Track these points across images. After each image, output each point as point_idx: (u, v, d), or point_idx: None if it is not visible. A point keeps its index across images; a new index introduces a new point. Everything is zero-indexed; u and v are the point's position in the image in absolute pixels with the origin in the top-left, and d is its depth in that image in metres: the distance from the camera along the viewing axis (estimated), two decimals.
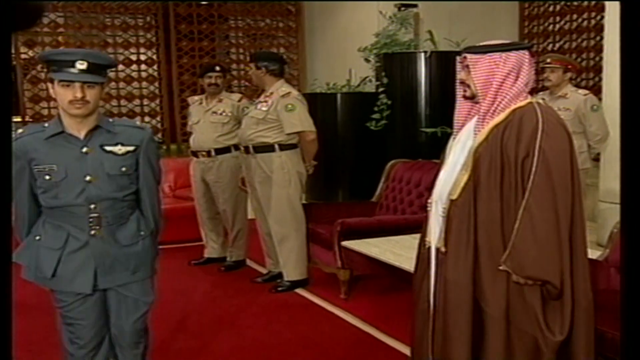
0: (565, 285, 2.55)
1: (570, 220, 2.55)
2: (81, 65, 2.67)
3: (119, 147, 2.86)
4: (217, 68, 6.04)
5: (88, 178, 2.80)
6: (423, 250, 2.90)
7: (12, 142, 2.55)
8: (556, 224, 2.52)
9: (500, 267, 2.57)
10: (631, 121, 1.36)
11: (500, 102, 2.64)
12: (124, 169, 2.86)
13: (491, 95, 2.65)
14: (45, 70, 8.81)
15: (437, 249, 2.78)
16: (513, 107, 2.63)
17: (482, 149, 2.63)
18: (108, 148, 2.84)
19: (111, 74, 9.03)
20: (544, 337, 2.59)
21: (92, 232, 2.84)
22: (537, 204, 2.50)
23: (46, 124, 2.84)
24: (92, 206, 2.81)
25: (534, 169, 2.52)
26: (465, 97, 2.76)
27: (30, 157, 2.78)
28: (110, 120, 2.92)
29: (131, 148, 2.88)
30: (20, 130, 2.82)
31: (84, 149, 2.80)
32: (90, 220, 2.83)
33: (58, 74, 2.70)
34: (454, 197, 2.68)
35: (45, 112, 8.68)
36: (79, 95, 2.67)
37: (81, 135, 2.79)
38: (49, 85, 2.78)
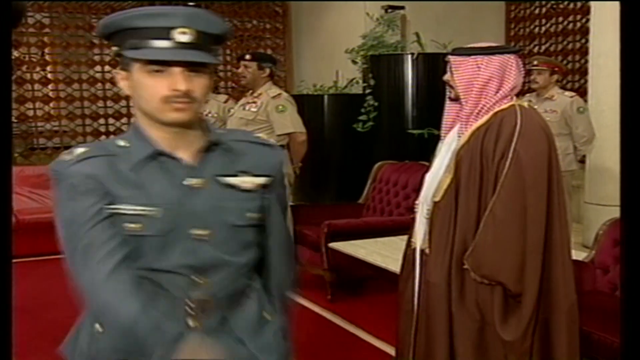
0: (527, 289, 2.54)
1: (544, 222, 2.54)
2: (182, 35, 1.54)
3: (245, 177, 1.68)
4: None
5: (198, 232, 1.62)
6: (409, 252, 2.91)
7: (11, 142, 1.64)
8: (521, 226, 2.51)
9: (464, 265, 2.59)
10: (631, 122, 1.36)
11: (484, 106, 2.64)
12: (250, 214, 1.69)
13: (474, 98, 2.65)
14: (42, 70, 8.81)
15: (422, 251, 2.78)
16: (496, 109, 2.64)
17: (463, 151, 2.64)
18: (229, 180, 1.66)
19: (97, 75, 9.00)
20: (492, 334, 2.59)
21: (191, 321, 1.63)
22: (502, 205, 2.51)
23: (121, 141, 1.70)
24: (198, 278, 1.63)
25: (505, 170, 2.52)
26: (450, 99, 2.78)
27: (104, 192, 1.59)
28: (220, 130, 1.79)
29: (262, 180, 1.71)
30: (79, 150, 1.64)
31: (194, 181, 1.63)
32: (192, 302, 1.63)
33: (140, 52, 1.56)
34: (437, 199, 2.69)
35: (30, 113, 8.62)
36: (182, 86, 1.54)
37: (187, 157, 1.64)
38: (117, 73, 1.66)
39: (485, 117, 2.64)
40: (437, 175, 2.75)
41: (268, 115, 5.21)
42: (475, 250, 2.55)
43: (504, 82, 2.65)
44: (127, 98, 9.11)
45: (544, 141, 2.58)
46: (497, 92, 2.64)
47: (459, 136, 2.69)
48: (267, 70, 5.35)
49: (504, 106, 2.64)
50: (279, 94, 5.29)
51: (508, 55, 2.67)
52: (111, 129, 9.14)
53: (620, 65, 1.41)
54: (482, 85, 2.64)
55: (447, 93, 2.79)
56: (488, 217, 2.53)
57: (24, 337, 4.38)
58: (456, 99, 2.73)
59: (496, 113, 2.63)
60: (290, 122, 5.23)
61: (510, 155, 2.52)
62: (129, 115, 9.22)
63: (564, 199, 2.66)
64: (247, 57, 5.43)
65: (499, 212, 2.51)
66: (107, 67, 9.07)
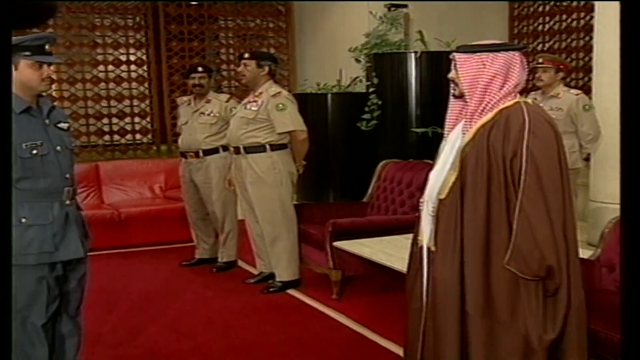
0: (562, 283, 2.57)
1: (563, 219, 2.56)
2: None
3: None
4: (200, 69, 6.02)
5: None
6: (415, 250, 2.91)
7: (12, 139, 2.40)
8: (550, 222, 2.53)
9: (505, 265, 2.58)
10: (631, 121, 1.35)
11: (488, 103, 2.65)
12: None
13: (478, 95, 2.65)
14: None
15: (428, 248, 2.78)
16: (500, 107, 2.64)
17: (468, 148, 2.64)
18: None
19: (100, 74, 9.02)
20: (538, 336, 2.59)
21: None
22: (530, 204, 2.52)
23: None
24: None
25: (523, 169, 2.53)
26: (454, 96, 2.78)
27: None
28: None
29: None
30: None
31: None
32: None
33: None
34: (442, 196, 2.69)
35: None
36: None
37: None
38: None
39: (490, 114, 2.64)
40: (441, 172, 2.75)
41: (268, 113, 5.21)
42: (516, 252, 2.55)
43: (508, 79, 2.65)
44: (131, 98, 9.19)
45: (552, 137, 2.60)
46: (501, 89, 2.64)
47: (464, 133, 2.69)
48: (267, 69, 5.35)
49: (508, 103, 2.65)
50: (279, 92, 5.29)
51: (513, 53, 2.68)
52: (115, 128, 9.14)
53: (620, 65, 1.41)
54: (487, 82, 2.64)
55: (452, 90, 2.79)
56: (521, 218, 2.53)
57: None
58: (460, 96, 2.74)
59: (501, 110, 2.63)
60: (290, 120, 5.23)
61: (524, 153, 2.53)
62: (133, 115, 9.22)
63: (571, 197, 2.66)
64: (246, 55, 5.44)
65: (530, 211, 2.52)
66: (110, 67, 9.07)
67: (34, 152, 3.04)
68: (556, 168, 2.57)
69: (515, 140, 2.55)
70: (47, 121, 3.17)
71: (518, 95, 2.70)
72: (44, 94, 3.23)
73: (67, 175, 3.17)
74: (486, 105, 2.65)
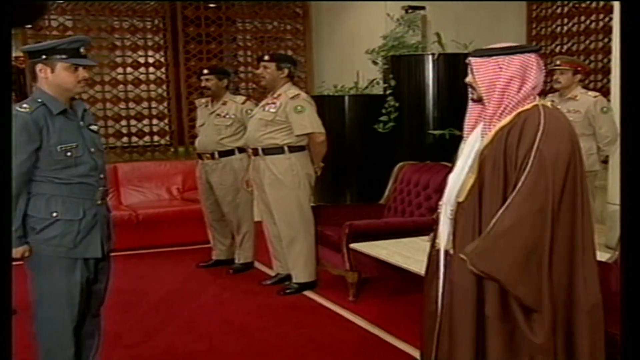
0: (542, 291, 2.54)
1: (551, 223, 2.53)
2: None
3: None
4: (205, 71, 6.06)
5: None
6: (433, 253, 2.91)
7: (12, 139, 2.51)
8: (533, 225, 2.51)
9: (461, 255, 2.58)
10: (632, 122, 1.35)
11: (507, 106, 2.65)
12: None
13: (496, 99, 2.65)
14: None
15: (446, 251, 2.78)
16: (519, 110, 2.64)
17: (487, 151, 2.64)
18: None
19: (119, 77, 9.07)
20: (523, 339, 2.59)
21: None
22: (521, 201, 2.51)
23: None
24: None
25: (527, 168, 2.52)
26: (473, 100, 2.78)
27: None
28: None
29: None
30: None
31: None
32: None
33: None
34: (461, 199, 2.69)
35: None
36: None
37: None
38: None
39: (509, 117, 2.64)
40: (460, 175, 2.75)
41: (287, 115, 5.22)
42: (480, 243, 2.55)
43: (525, 81, 2.65)
44: (149, 100, 9.23)
45: (566, 141, 2.58)
46: (518, 92, 2.64)
47: (483, 136, 2.69)
48: (286, 71, 5.37)
49: (527, 106, 2.64)
50: (298, 95, 5.30)
51: (529, 55, 2.67)
52: (133, 130, 9.19)
53: (621, 64, 1.40)
54: (504, 85, 2.64)
55: (470, 95, 2.79)
56: (504, 212, 2.53)
57: (23, 340, 4.40)
58: (479, 100, 2.74)
59: (519, 113, 2.63)
60: (309, 123, 5.24)
61: (532, 154, 2.52)
62: (151, 117, 9.26)
63: (588, 200, 2.65)
64: (266, 57, 5.45)
65: (515, 208, 2.51)
66: (128, 69, 9.12)
67: (68, 154, 3.13)
68: (562, 172, 2.54)
69: (528, 143, 2.55)
70: (81, 123, 3.24)
71: (537, 97, 2.70)
72: (76, 96, 3.29)
73: (102, 176, 3.28)
74: (505, 108, 2.65)
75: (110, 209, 3.45)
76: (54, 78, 3.13)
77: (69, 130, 3.15)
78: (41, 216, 3.12)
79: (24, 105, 3.09)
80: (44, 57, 3.13)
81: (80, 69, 3.17)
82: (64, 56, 3.12)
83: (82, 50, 3.17)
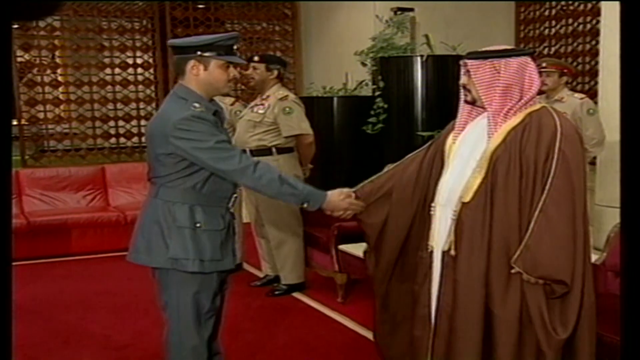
0: (575, 285, 2.57)
1: (586, 221, 2.59)
2: None
3: None
4: (256, 58, 5.97)
5: None
6: (424, 255, 2.89)
7: (11, 142, 2.18)
8: (573, 224, 2.54)
9: (512, 271, 2.58)
10: (631, 123, 1.36)
11: (511, 108, 2.66)
12: None
13: (498, 100, 2.66)
14: (53, 73, 8.85)
15: (444, 252, 2.77)
16: (528, 110, 2.66)
17: (500, 151, 2.65)
18: None
19: (107, 77, 9.04)
20: (546, 336, 2.59)
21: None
22: (555, 205, 2.52)
23: None
24: None
25: (552, 171, 2.54)
26: (466, 102, 2.79)
27: None
28: None
29: None
30: None
31: None
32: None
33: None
34: (467, 199, 2.69)
35: (41, 115, 8.65)
36: None
37: None
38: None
39: (518, 118, 2.66)
40: (462, 176, 2.74)
41: (275, 117, 5.21)
42: (526, 251, 2.55)
43: (526, 83, 2.68)
44: (137, 101, 9.20)
45: (580, 142, 2.65)
46: (521, 94, 2.66)
47: (489, 137, 2.69)
48: (275, 72, 5.36)
49: (535, 107, 2.68)
50: (286, 96, 5.29)
51: (525, 57, 2.70)
52: (121, 131, 9.15)
53: (621, 65, 1.41)
54: (505, 88, 2.66)
55: (463, 96, 2.80)
56: (540, 218, 2.53)
57: (36, 339, 4.40)
58: (472, 102, 2.75)
59: (530, 113, 2.66)
60: (297, 124, 5.24)
61: (556, 155, 2.55)
62: (139, 117, 9.23)
63: (586, 200, 2.69)
64: (256, 58, 5.43)
65: (552, 212, 2.53)
66: (117, 70, 9.08)
67: None
68: (583, 171, 2.60)
69: (548, 144, 2.57)
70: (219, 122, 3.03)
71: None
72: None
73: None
74: (509, 109, 2.66)
75: (234, 215, 3.25)
76: (207, 76, 2.92)
77: (218, 131, 2.93)
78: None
79: (195, 104, 2.87)
80: (198, 53, 2.89)
81: (231, 67, 2.96)
82: (220, 53, 2.91)
83: (234, 47, 2.96)
